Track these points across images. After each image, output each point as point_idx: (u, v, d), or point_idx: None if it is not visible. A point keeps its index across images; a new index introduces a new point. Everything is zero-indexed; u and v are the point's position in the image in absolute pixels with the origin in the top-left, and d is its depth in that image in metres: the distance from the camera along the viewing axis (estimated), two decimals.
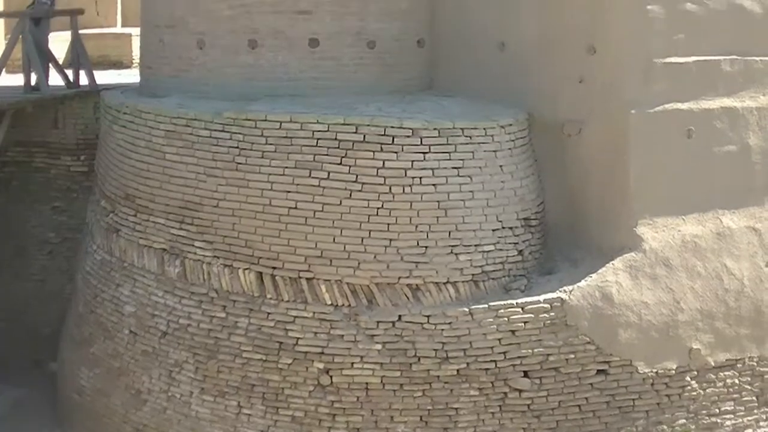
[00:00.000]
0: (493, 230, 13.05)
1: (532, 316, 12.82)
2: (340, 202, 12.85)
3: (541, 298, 12.91)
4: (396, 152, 12.80)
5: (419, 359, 12.71)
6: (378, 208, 12.79)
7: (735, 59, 13.96)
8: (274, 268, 13.04)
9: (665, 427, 13.25)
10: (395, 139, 12.80)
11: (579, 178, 13.74)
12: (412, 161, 12.82)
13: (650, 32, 13.42)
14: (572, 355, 12.91)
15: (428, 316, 12.74)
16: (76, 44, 18.06)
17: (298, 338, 12.92)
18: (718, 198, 13.86)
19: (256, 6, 14.52)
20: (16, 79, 18.02)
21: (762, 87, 14.16)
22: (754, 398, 13.87)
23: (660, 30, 13.46)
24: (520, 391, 12.82)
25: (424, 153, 12.84)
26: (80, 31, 18.46)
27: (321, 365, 12.82)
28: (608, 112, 13.45)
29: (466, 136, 13.00)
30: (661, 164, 13.42)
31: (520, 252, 13.30)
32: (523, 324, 12.79)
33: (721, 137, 13.83)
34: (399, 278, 12.81)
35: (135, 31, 20.49)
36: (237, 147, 13.30)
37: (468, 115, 13.39)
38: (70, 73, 17.81)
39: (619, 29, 13.37)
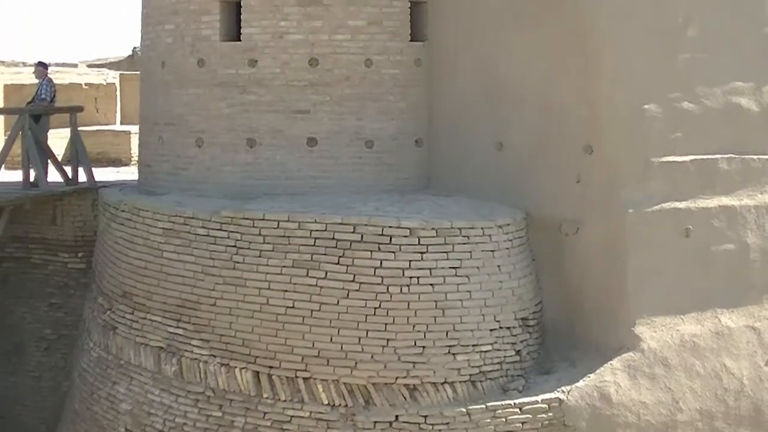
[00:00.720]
0: (491, 330, 13.00)
1: (530, 416, 12.72)
2: (338, 301, 12.81)
3: (539, 398, 12.82)
4: (394, 252, 12.80)
5: None
6: (375, 308, 12.75)
7: (732, 158, 14.00)
8: (271, 367, 12.97)
9: None
10: (393, 239, 12.80)
11: (577, 277, 13.71)
12: (410, 261, 12.81)
13: (647, 131, 13.48)
14: None
15: (425, 417, 12.63)
16: (75, 141, 18.12)
17: None
18: (717, 297, 13.82)
19: (255, 105, 14.64)
20: (15, 176, 18.05)
21: (760, 185, 14.19)
22: None
23: (657, 129, 13.53)
24: None
25: (421, 253, 12.83)
26: (79, 128, 18.53)
27: None
28: (606, 211, 13.45)
29: (464, 236, 13.01)
30: (659, 263, 13.40)
31: (518, 352, 13.24)
32: (521, 424, 12.69)
33: (719, 236, 13.82)
34: (396, 378, 12.73)
35: (134, 129, 20.61)
36: (235, 246, 13.30)
37: (466, 215, 13.41)
38: (68, 169, 17.83)
39: (617, 129, 13.42)
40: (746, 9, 14.24)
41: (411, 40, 15.01)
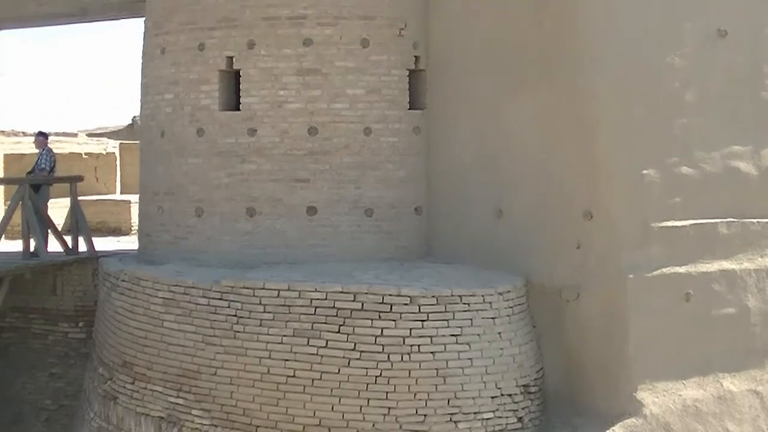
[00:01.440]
0: (492, 397, 12.94)
1: None
2: (339, 370, 12.76)
3: None
4: (394, 320, 12.77)
5: None
6: (376, 376, 12.70)
7: (732, 222, 14.02)
8: None
9: None
10: (393, 307, 12.77)
11: (578, 343, 13.66)
12: (411, 329, 12.77)
13: (646, 197, 13.51)
14: None
15: None
16: (76, 211, 18.15)
17: None
18: (719, 361, 13.78)
19: (254, 174, 14.68)
20: (16, 246, 18.08)
21: (759, 249, 14.20)
22: None
23: (656, 194, 13.56)
24: None
25: (422, 321, 12.80)
26: (79, 198, 18.57)
27: None
28: (606, 277, 13.44)
29: (465, 303, 12.98)
30: (660, 328, 13.37)
31: (520, 419, 13.17)
32: None
33: (719, 300, 13.81)
34: None
35: (134, 198, 20.66)
36: (235, 315, 13.29)
37: (466, 282, 13.39)
38: (69, 239, 17.85)
39: (616, 194, 13.44)
40: (743, 73, 14.32)
41: (410, 109, 15.09)
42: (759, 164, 14.30)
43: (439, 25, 15.22)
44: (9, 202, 18.66)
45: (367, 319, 12.80)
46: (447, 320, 12.90)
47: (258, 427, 12.99)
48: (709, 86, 14.08)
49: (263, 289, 13.21)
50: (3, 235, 17.95)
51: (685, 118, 13.90)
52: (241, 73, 14.84)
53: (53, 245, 17.80)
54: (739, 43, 14.35)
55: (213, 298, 13.50)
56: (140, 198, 16.56)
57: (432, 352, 12.77)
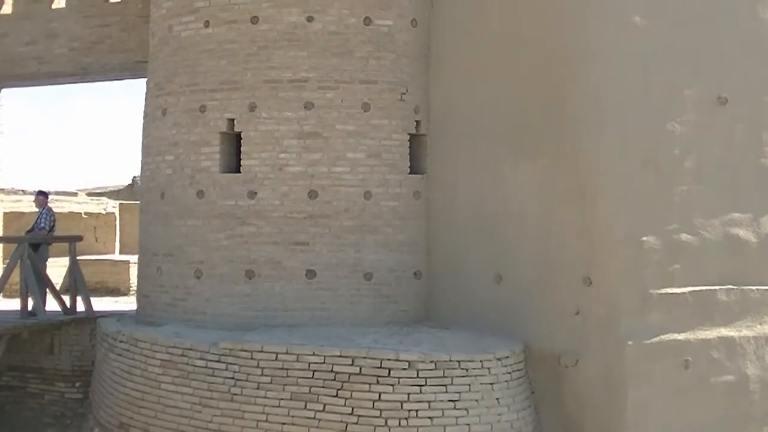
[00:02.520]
0: None
1: None
2: None
3: None
4: (392, 385, 12.70)
5: None
6: None
7: (731, 289, 14.01)
8: None
9: None
10: (391, 372, 12.71)
11: (576, 409, 13.61)
12: (409, 394, 12.70)
13: (646, 263, 13.51)
14: None
15: None
16: (74, 270, 18.13)
17: None
18: (717, 429, 13.71)
19: (254, 237, 14.68)
20: (13, 304, 18.04)
21: (759, 316, 14.18)
22: None
23: (656, 261, 13.56)
24: None
25: (420, 386, 12.73)
26: (78, 257, 18.56)
27: None
28: (605, 343, 13.41)
29: (463, 369, 12.93)
30: (659, 395, 13.32)
31: None
32: None
33: (718, 367, 13.76)
34: None
35: (133, 259, 20.66)
36: (233, 377, 13.24)
37: (464, 348, 13.35)
38: (67, 299, 17.82)
39: (615, 261, 13.44)
40: (743, 140, 14.37)
41: (410, 173, 15.12)
42: (758, 231, 14.31)
43: (440, 90, 15.30)
44: (8, 261, 18.65)
45: (365, 383, 12.74)
46: (445, 385, 12.84)
47: None
48: (709, 153, 14.13)
49: (261, 352, 13.17)
50: (1, 294, 17.91)
51: (685, 185, 13.94)
52: (242, 136, 14.87)
53: (51, 304, 17.77)
54: (739, 110, 14.42)
55: (211, 361, 13.46)
56: (139, 258, 16.53)
57: (430, 417, 12.69)
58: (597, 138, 13.64)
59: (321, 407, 12.77)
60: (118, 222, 25.82)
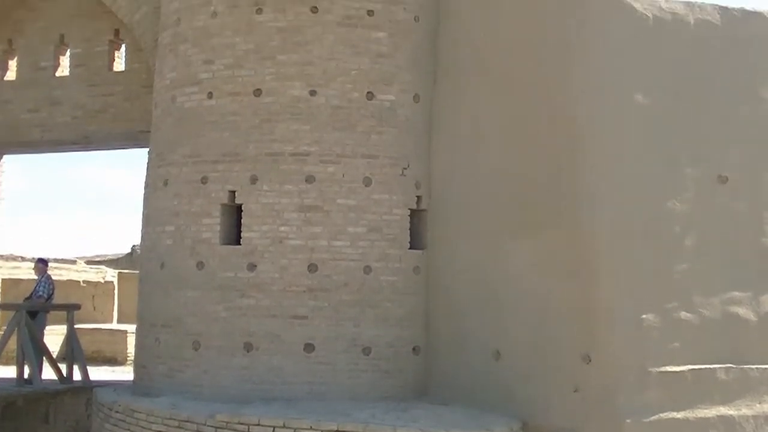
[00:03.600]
0: None
1: None
2: None
3: None
4: None
5: None
6: None
7: (730, 368, 13.95)
8: None
9: None
10: None
11: None
12: None
13: (645, 341, 13.47)
14: None
15: None
16: (72, 339, 18.10)
17: None
18: None
19: (253, 309, 14.65)
20: (9, 372, 17.98)
21: (758, 395, 14.10)
22: None
23: (655, 339, 13.52)
24: None
25: None
26: (76, 326, 18.53)
27: None
28: (603, 420, 13.31)
29: None
30: None
31: None
32: None
33: None
34: None
35: (131, 328, 20.63)
36: None
37: (462, 424, 13.25)
38: (63, 367, 17.77)
39: (615, 338, 13.40)
40: (743, 219, 14.40)
41: (410, 248, 15.12)
42: (758, 310, 14.29)
43: (441, 165, 15.34)
44: (5, 328, 18.61)
45: None
46: None
47: None
48: (709, 231, 14.14)
49: (258, 425, 13.10)
50: None
51: (685, 263, 13.93)
52: (242, 208, 14.88)
53: (48, 373, 17.71)
54: (739, 189, 14.46)
55: None
56: (137, 328, 16.48)
57: None
58: (597, 215, 13.65)
59: None
60: (116, 291, 25.79)
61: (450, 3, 15.61)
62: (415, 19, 15.43)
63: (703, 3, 14.94)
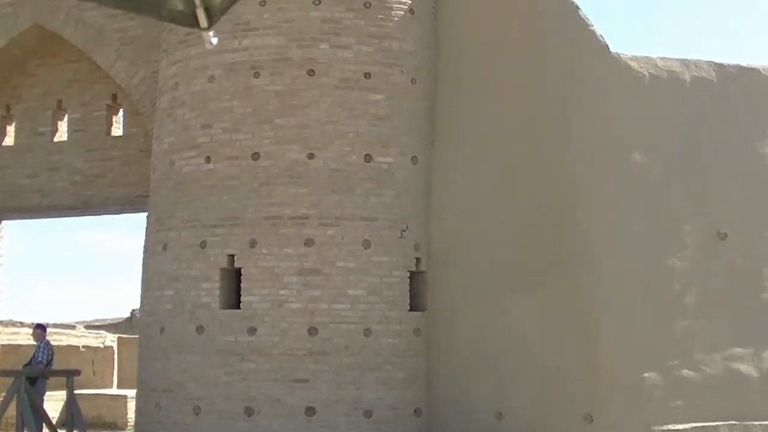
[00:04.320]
0: None
1: None
2: None
3: None
4: None
5: None
6: None
7: (734, 424, 13.94)
8: None
9: None
10: None
11: None
12: None
13: (647, 400, 13.47)
14: None
15: None
16: (72, 404, 17.92)
17: None
18: None
19: (254, 373, 14.59)
20: None
21: None
22: None
23: (657, 397, 13.52)
24: None
25: None
26: (76, 391, 18.38)
27: None
28: None
29: None
30: None
31: None
32: None
33: None
34: None
35: (131, 393, 20.47)
36: None
37: None
38: None
39: (617, 397, 13.40)
40: (743, 275, 14.40)
41: (410, 310, 15.09)
42: (760, 366, 14.27)
43: (440, 227, 15.34)
44: (4, 394, 18.48)
45: None
46: None
47: None
48: (709, 288, 14.15)
49: None
50: None
51: (686, 320, 13.94)
52: (242, 272, 14.87)
53: None
54: (738, 245, 14.49)
55: None
56: (137, 393, 16.42)
57: None
58: (597, 273, 13.66)
59: None
60: (116, 356, 25.64)
61: (446, 66, 15.66)
62: (412, 82, 15.49)
63: (698, 60, 15.03)
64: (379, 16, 15.36)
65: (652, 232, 13.97)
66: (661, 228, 14.07)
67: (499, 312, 14.53)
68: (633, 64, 14.49)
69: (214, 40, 5.38)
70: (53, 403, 19.24)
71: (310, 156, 14.87)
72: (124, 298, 79.23)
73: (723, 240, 14.40)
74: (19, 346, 23.31)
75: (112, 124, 19.28)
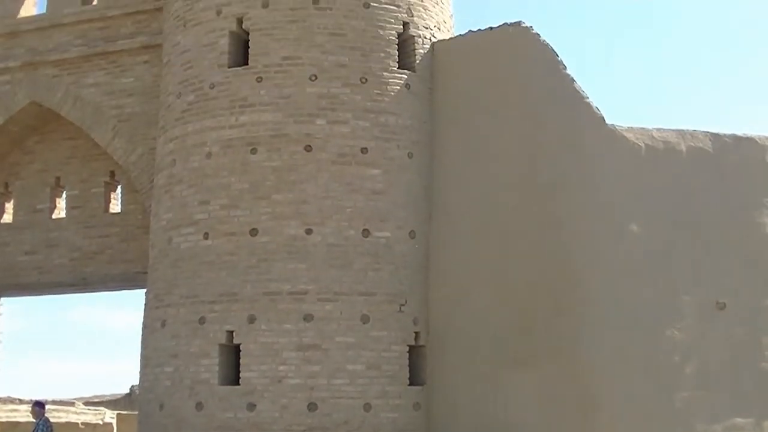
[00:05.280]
0: None
1: None
2: None
3: None
4: None
5: None
6: None
7: None
8: None
9: None
10: None
11: None
12: None
13: None
14: None
15: None
16: None
17: None
18: None
19: None
20: None
21: None
22: None
23: None
24: None
25: None
26: None
27: None
28: None
29: None
30: None
31: None
32: None
33: None
34: None
35: None
36: None
37: None
38: None
39: None
40: (743, 345, 14.40)
41: (410, 384, 15.00)
42: None
43: (438, 301, 15.29)
44: None
45: None
46: None
47: None
48: (709, 358, 14.13)
49: None
50: None
51: (686, 391, 13.90)
52: (241, 348, 14.81)
53: None
54: (737, 315, 14.50)
55: None
56: None
57: None
58: (597, 345, 13.65)
59: None
60: None
61: (443, 140, 15.70)
62: (408, 156, 15.53)
63: (694, 131, 15.11)
64: (376, 92, 15.44)
65: (650, 305, 13.98)
66: (659, 300, 14.07)
67: (498, 387, 14.46)
68: (629, 135, 14.57)
69: None
70: None
71: (308, 231, 14.88)
72: (124, 374, 78.84)
73: (722, 310, 14.41)
74: (18, 423, 23.21)
75: (110, 201, 19.32)
